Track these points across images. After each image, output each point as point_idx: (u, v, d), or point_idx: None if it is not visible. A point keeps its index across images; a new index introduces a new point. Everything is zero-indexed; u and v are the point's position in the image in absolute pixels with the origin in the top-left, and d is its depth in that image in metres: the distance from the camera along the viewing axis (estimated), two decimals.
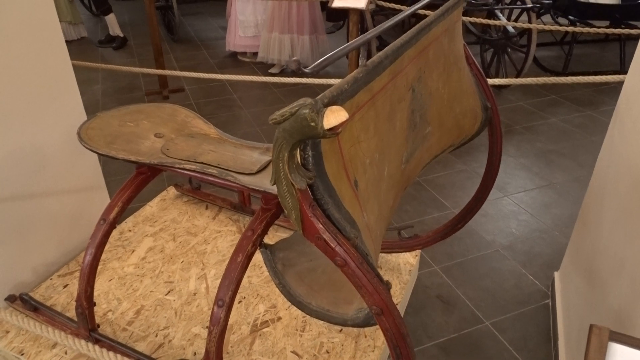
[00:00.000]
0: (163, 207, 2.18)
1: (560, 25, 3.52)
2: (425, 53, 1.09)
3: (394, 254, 1.91)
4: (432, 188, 2.78)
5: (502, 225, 2.46)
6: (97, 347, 1.02)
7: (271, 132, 3.42)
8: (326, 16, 5.15)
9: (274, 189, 1.14)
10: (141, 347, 1.52)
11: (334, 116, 0.62)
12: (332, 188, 0.74)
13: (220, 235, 2.01)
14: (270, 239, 1.87)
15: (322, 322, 1.59)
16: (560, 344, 1.72)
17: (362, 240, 0.80)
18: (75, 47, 5.32)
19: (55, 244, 1.84)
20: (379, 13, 4.13)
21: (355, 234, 0.78)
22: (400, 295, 1.76)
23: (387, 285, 0.80)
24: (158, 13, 5.16)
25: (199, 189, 2.25)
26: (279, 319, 1.63)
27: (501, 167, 1.60)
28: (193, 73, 3.13)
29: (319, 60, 0.70)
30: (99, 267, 1.44)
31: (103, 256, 1.42)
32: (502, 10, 3.99)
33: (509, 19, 4.11)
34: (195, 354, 1.50)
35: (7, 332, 1.56)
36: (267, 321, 1.62)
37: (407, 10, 1.09)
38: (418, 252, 1.94)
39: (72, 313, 1.59)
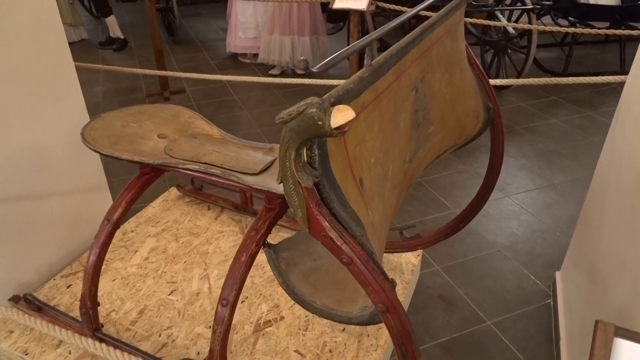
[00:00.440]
0: (165, 208, 2.18)
1: (561, 26, 3.53)
2: (428, 53, 1.10)
3: (396, 254, 1.92)
4: (433, 188, 2.78)
5: (504, 226, 2.47)
6: (103, 345, 1.03)
7: (272, 133, 3.43)
8: (327, 17, 5.15)
9: (277, 189, 1.15)
10: (145, 346, 1.52)
11: (341, 115, 0.63)
12: (338, 187, 0.75)
13: (223, 235, 2.01)
14: (273, 239, 1.88)
15: (325, 321, 1.60)
16: (562, 343, 1.73)
17: (368, 239, 0.80)
18: (76, 48, 5.33)
19: (58, 245, 1.84)
20: (379, 14, 4.13)
21: (361, 232, 0.78)
22: (402, 295, 1.76)
23: (393, 283, 0.80)
24: (158, 15, 5.16)
25: (201, 190, 2.26)
26: (282, 318, 1.63)
27: (502, 168, 1.60)
28: (194, 74, 3.14)
29: (326, 60, 0.71)
30: (102, 268, 1.45)
31: (106, 256, 1.43)
32: (502, 12, 4.00)
33: (509, 20, 4.12)
34: (198, 353, 1.51)
35: (11, 332, 1.56)
36: (270, 321, 1.62)
37: (410, 12, 1.10)
38: (420, 252, 1.94)
39: (75, 313, 1.60)
